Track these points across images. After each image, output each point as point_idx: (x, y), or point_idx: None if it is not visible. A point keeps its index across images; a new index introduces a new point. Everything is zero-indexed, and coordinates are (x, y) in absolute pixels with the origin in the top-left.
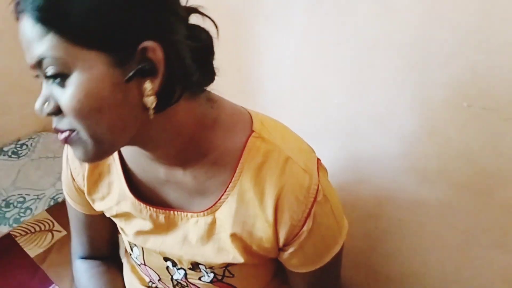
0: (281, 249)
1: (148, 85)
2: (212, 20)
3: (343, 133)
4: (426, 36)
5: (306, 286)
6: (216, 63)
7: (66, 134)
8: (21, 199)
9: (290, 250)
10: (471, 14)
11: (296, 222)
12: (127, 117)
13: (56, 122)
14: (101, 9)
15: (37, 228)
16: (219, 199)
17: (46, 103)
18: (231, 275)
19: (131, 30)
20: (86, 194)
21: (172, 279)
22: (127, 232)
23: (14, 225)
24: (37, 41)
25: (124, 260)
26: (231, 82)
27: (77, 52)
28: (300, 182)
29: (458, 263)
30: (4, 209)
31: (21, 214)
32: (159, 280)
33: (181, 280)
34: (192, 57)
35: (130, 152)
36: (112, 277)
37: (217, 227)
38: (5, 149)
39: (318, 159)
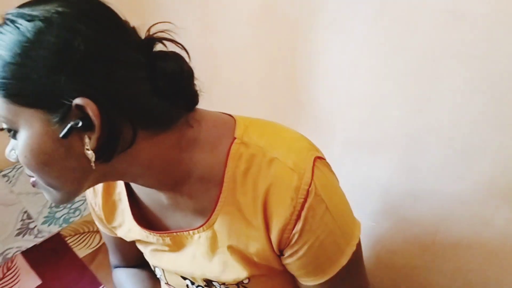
0: (281, 257)
1: (87, 140)
2: (182, 46)
3: (402, 145)
4: (498, 47)
5: None
6: (269, 73)
7: (32, 179)
8: None
9: (289, 259)
10: None
11: (285, 225)
12: (75, 167)
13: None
14: (27, 72)
15: (86, 229)
16: (213, 211)
17: (13, 151)
18: None
19: (59, 90)
20: (105, 223)
21: None
22: (146, 253)
23: (64, 225)
24: None
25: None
26: (284, 91)
27: (17, 110)
28: (287, 182)
29: None
30: (55, 209)
31: (71, 215)
32: None
33: None
34: (154, 93)
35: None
36: (154, 282)
37: (219, 240)
38: None
39: (319, 157)
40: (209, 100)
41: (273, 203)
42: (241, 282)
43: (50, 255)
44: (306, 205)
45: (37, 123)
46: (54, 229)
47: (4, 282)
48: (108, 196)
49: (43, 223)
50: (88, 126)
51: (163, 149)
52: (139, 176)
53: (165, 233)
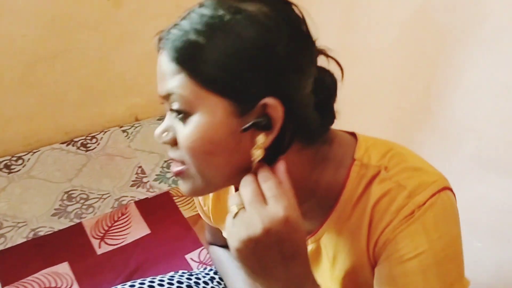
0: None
1: (260, 139)
2: (338, 63)
3: None
4: None
5: None
6: (403, 77)
7: (179, 168)
8: None
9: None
10: None
11: (379, 231)
12: (235, 162)
13: (171, 152)
14: (230, 62)
15: None
16: (321, 225)
17: (165, 133)
18: None
19: (255, 86)
20: (211, 220)
21: None
22: None
23: (173, 185)
24: (169, 77)
25: None
26: (415, 98)
27: (203, 95)
28: (398, 200)
29: None
30: (166, 170)
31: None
32: None
33: None
34: (315, 107)
35: None
36: None
37: (322, 256)
38: None
39: (446, 188)
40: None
41: (376, 214)
42: None
43: (159, 210)
44: (405, 221)
45: (220, 112)
46: (164, 187)
47: (118, 225)
48: (218, 199)
49: (155, 180)
50: (266, 126)
51: (301, 164)
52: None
53: None
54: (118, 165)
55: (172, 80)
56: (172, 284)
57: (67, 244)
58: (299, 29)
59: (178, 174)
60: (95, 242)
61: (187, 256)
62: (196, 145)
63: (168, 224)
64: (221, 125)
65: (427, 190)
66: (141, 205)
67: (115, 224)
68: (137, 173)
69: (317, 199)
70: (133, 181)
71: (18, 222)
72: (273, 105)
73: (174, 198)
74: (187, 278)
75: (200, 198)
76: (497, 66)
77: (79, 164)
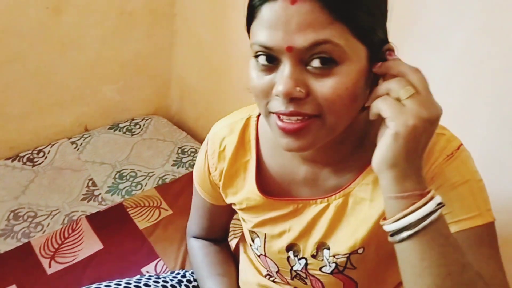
0: None
1: (381, 81)
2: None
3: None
4: None
5: None
6: None
7: (302, 122)
8: (133, 174)
9: None
10: None
11: (430, 167)
12: (357, 108)
13: (295, 107)
14: (376, 10)
15: (146, 203)
16: (358, 176)
17: (298, 88)
18: (353, 267)
19: (384, 32)
20: (221, 188)
21: (291, 270)
22: (251, 222)
23: (126, 196)
24: (321, 26)
25: (241, 254)
26: None
27: (354, 44)
28: (444, 143)
29: None
30: (118, 180)
31: (133, 188)
32: (277, 271)
33: (300, 271)
34: None
35: (272, 151)
36: (225, 258)
37: (352, 209)
38: (121, 125)
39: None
40: None
41: (428, 155)
42: (356, 251)
43: (112, 223)
44: (453, 161)
45: (362, 59)
46: (117, 199)
47: (69, 242)
48: (234, 162)
49: (107, 192)
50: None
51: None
52: (347, 136)
53: (290, 200)
54: (68, 179)
55: (326, 29)
56: (139, 287)
57: (14, 266)
58: None
59: (305, 127)
60: (45, 262)
61: (143, 269)
62: (347, 93)
63: (122, 237)
64: (364, 71)
65: (457, 140)
66: (93, 219)
67: (66, 241)
68: (87, 186)
69: (359, 153)
70: (83, 194)
71: None
72: (392, 50)
73: (128, 209)
74: (154, 281)
75: (212, 162)
76: (436, 61)
77: (26, 180)
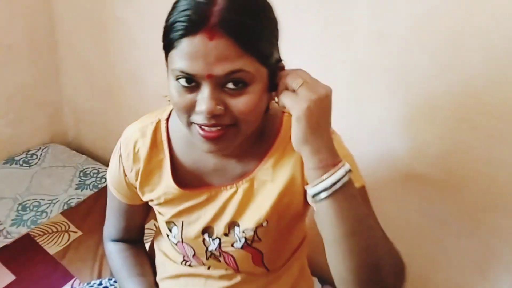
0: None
1: (274, 93)
2: None
3: None
4: (410, 61)
5: None
6: None
7: (219, 131)
8: (36, 204)
9: None
10: (446, 42)
11: None
12: (263, 113)
13: (216, 120)
14: (272, 40)
15: (54, 229)
16: (257, 164)
17: (219, 106)
18: (259, 239)
19: (277, 56)
20: (138, 188)
21: (206, 251)
22: (169, 214)
23: (32, 226)
24: (234, 58)
25: (156, 250)
26: None
27: (259, 68)
28: None
29: (435, 249)
30: (21, 212)
31: (38, 217)
32: (194, 255)
33: (215, 250)
34: None
35: (184, 149)
36: (142, 259)
37: (257, 192)
38: (16, 158)
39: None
40: None
41: None
42: (261, 225)
43: (22, 254)
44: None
45: (265, 79)
46: (23, 230)
47: None
48: (149, 162)
49: (12, 225)
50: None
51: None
52: (254, 129)
53: (204, 189)
54: None
55: (239, 61)
56: None
57: None
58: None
59: (223, 134)
60: None
61: None
62: (256, 107)
63: (33, 266)
64: (266, 89)
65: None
66: (1, 253)
67: None
68: None
69: (259, 144)
70: None
71: None
72: (282, 65)
73: (35, 238)
74: None
75: (127, 164)
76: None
77: None
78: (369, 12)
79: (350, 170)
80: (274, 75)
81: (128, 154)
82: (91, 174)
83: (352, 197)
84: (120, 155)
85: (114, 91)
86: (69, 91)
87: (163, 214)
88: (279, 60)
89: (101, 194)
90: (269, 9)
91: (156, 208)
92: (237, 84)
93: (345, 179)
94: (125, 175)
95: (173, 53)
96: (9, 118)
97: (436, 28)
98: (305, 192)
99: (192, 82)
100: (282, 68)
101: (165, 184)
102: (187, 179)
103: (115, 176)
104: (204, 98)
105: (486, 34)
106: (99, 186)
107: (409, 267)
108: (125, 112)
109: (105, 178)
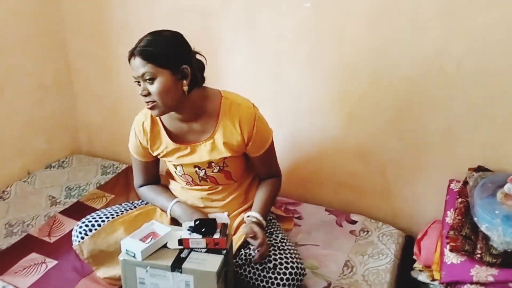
0: (246, 145)
1: (185, 82)
2: (202, 55)
3: (270, 107)
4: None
5: (260, 163)
6: None
7: (151, 104)
8: (77, 186)
9: (250, 144)
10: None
11: (250, 129)
12: (177, 95)
13: (146, 98)
14: (170, 55)
15: (95, 196)
16: (214, 131)
17: (145, 91)
18: (227, 165)
19: (180, 62)
20: (149, 148)
21: (199, 177)
22: (173, 160)
23: (79, 197)
24: (142, 67)
25: (170, 180)
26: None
27: (159, 70)
28: (248, 112)
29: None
30: (69, 191)
31: (81, 192)
32: (192, 180)
33: (203, 175)
34: (199, 71)
35: (168, 121)
36: (162, 187)
37: (216, 143)
38: (53, 165)
39: (253, 104)
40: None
41: (244, 121)
42: (225, 157)
43: (76, 213)
44: (256, 119)
45: (166, 75)
46: (74, 199)
47: None
48: (152, 132)
49: (65, 197)
50: (185, 77)
51: (198, 97)
52: (188, 109)
53: (187, 144)
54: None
55: (144, 68)
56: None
57: None
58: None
59: (152, 107)
60: None
61: None
62: (161, 91)
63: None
64: (169, 80)
65: (253, 108)
66: (62, 213)
67: None
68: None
69: (206, 118)
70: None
71: None
72: (186, 68)
73: (84, 202)
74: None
75: (141, 137)
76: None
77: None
78: None
79: (255, 219)
80: (178, 72)
81: (140, 131)
82: (109, 166)
83: (267, 212)
84: (135, 133)
85: (117, 109)
86: (83, 115)
87: (170, 161)
88: (185, 63)
89: (120, 175)
90: (173, 38)
91: (163, 159)
92: (149, 79)
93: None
94: (140, 143)
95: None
96: (45, 137)
97: None
98: (245, 146)
99: (137, 81)
100: (188, 73)
101: (165, 142)
102: (176, 139)
103: (134, 146)
104: (139, 87)
105: None
106: (117, 171)
107: None
108: (127, 123)
109: (120, 167)
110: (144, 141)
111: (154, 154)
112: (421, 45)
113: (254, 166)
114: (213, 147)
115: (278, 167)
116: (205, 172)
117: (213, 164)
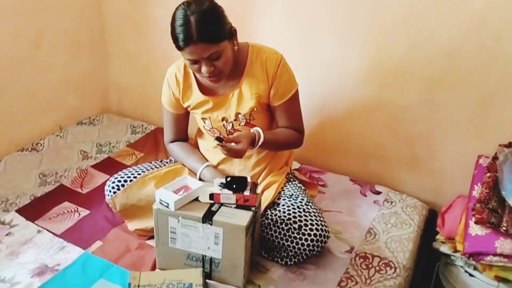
0: (270, 90)
1: (235, 42)
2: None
3: (301, 73)
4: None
5: (282, 114)
6: None
7: (216, 76)
8: (108, 143)
9: (273, 88)
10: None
11: (274, 71)
12: (233, 56)
13: (213, 71)
14: (225, 29)
15: (125, 154)
16: (241, 79)
17: (212, 67)
18: (253, 118)
19: (229, 27)
20: (181, 99)
21: (226, 130)
22: (200, 112)
23: (109, 153)
24: (207, 50)
25: (198, 140)
26: None
27: (221, 45)
28: (274, 56)
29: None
30: (100, 147)
31: (112, 148)
32: (220, 134)
33: (230, 129)
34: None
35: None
36: (190, 145)
37: (243, 92)
38: (84, 121)
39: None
40: None
41: (268, 65)
42: (253, 109)
43: (107, 168)
44: (280, 65)
45: (227, 46)
46: (104, 155)
47: None
48: (185, 84)
49: (96, 153)
50: (235, 37)
51: (234, 53)
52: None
53: (216, 96)
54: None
55: (211, 48)
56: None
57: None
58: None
59: (217, 79)
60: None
61: None
62: (226, 62)
63: (116, 171)
64: (229, 49)
65: (280, 54)
66: (93, 167)
67: None
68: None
69: (235, 69)
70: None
71: None
72: (233, 28)
73: (115, 158)
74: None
75: (174, 87)
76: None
77: (38, 161)
78: None
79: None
80: (231, 36)
81: (173, 82)
82: (138, 126)
83: (268, 143)
84: (168, 84)
85: (148, 71)
86: (114, 76)
87: (198, 114)
88: (231, 27)
89: (149, 135)
90: (217, 10)
91: (193, 112)
92: (216, 56)
93: (261, 141)
94: (173, 94)
95: (182, 53)
96: (77, 94)
97: None
98: (269, 93)
99: (194, 62)
100: (235, 31)
101: (195, 94)
102: (206, 91)
103: (167, 97)
104: (204, 67)
105: None
106: (146, 131)
107: None
108: (158, 86)
109: (149, 128)
110: (176, 92)
111: (185, 105)
112: (460, 16)
113: (277, 120)
114: (239, 97)
115: (301, 124)
116: (232, 125)
117: (240, 116)
